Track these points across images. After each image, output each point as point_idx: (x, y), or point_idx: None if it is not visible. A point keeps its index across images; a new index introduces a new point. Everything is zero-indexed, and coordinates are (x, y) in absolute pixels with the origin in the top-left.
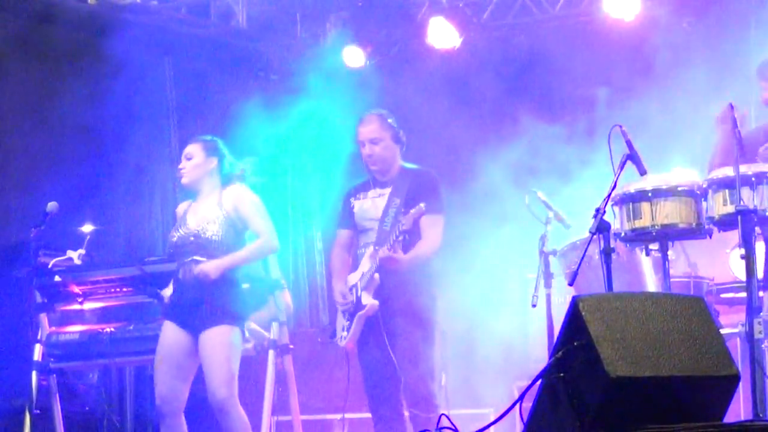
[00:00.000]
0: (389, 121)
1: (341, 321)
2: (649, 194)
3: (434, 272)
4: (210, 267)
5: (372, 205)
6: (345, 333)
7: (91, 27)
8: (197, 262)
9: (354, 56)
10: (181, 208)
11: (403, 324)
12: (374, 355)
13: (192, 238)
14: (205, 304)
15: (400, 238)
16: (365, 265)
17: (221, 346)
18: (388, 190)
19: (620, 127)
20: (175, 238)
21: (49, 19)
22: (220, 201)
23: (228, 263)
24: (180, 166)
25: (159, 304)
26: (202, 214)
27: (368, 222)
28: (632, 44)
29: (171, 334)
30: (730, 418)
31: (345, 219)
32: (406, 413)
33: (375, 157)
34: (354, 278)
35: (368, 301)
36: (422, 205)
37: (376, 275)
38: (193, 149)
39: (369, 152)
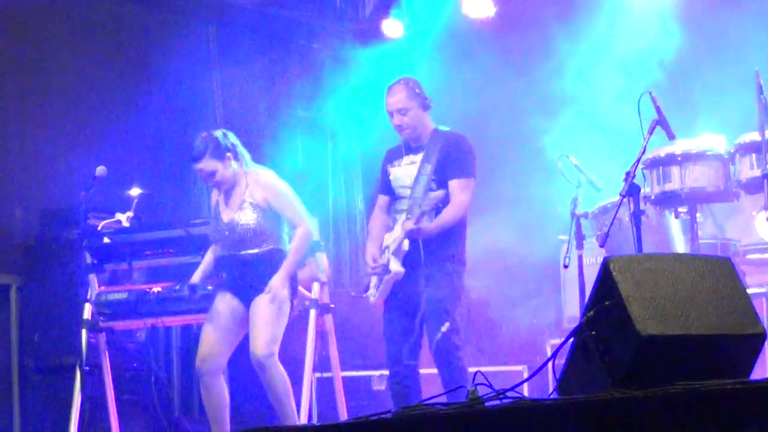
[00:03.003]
0: (416, 90)
1: (374, 278)
2: (679, 158)
3: (462, 235)
4: (276, 285)
5: (404, 172)
6: (374, 291)
7: None
8: (238, 256)
9: (392, 28)
10: (214, 195)
11: (428, 288)
12: (397, 316)
13: (227, 233)
14: (260, 280)
15: (425, 209)
16: (397, 231)
17: (269, 308)
18: (419, 157)
19: (650, 93)
20: (212, 232)
21: None
22: (248, 190)
23: (287, 272)
24: (207, 184)
25: (190, 294)
26: (233, 207)
27: (401, 189)
28: (663, 11)
29: (224, 299)
30: (756, 375)
31: (383, 185)
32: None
33: (404, 126)
34: (387, 240)
35: (395, 267)
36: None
37: (405, 243)
38: (208, 165)
39: (398, 122)
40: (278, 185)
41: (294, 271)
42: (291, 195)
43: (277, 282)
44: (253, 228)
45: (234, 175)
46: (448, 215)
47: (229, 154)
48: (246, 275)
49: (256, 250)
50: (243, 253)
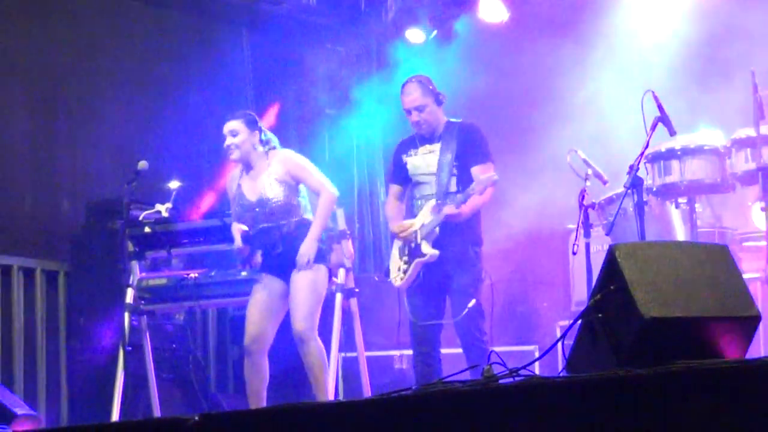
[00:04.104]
0: (429, 87)
1: (397, 263)
2: (678, 153)
3: (480, 218)
4: (306, 251)
5: (423, 161)
6: (402, 275)
7: (178, 2)
8: (268, 228)
9: (415, 35)
10: (233, 176)
11: (455, 270)
12: (423, 299)
13: (257, 209)
14: (294, 254)
15: (460, 197)
16: (426, 216)
17: (307, 285)
18: (437, 146)
19: (652, 92)
20: (238, 210)
21: None
22: (269, 168)
23: (316, 235)
24: (227, 143)
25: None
26: (259, 185)
27: (423, 177)
28: (671, 11)
29: (265, 281)
30: (751, 354)
31: (397, 174)
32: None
33: (422, 122)
34: (415, 225)
35: (428, 250)
36: (493, 175)
37: (437, 228)
38: (236, 125)
39: (416, 119)
40: (296, 157)
41: (320, 234)
42: (310, 165)
43: (305, 249)
44: (282, 202)
45: (253, 149)
46: (480, 199)
47: (257, 132)
48: (281, 247)
49: (286, 222)
50: (276, 224)
